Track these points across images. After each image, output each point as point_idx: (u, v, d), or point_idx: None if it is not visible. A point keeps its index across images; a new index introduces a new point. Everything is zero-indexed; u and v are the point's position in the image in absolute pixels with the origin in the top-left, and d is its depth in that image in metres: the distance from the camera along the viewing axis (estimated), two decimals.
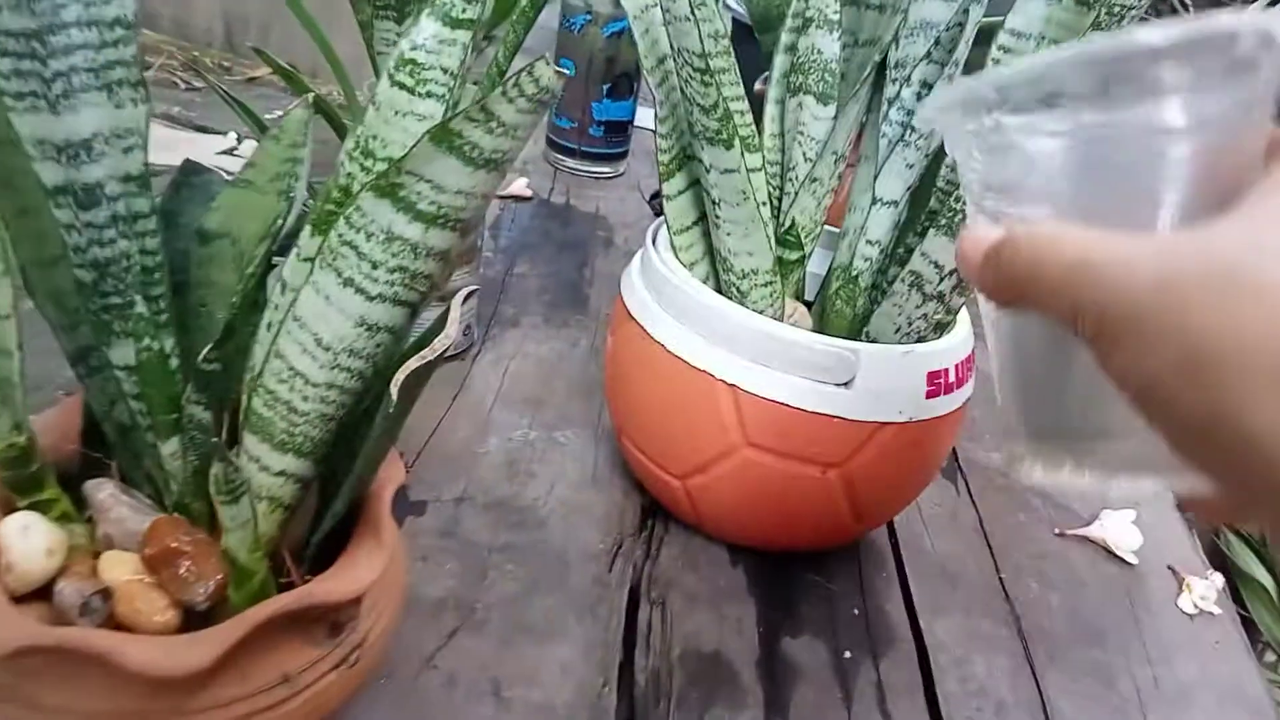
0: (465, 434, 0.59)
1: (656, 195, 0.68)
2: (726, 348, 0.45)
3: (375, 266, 0.31)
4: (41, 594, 0.33)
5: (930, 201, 0.48)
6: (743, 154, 0.46)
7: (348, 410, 0.34)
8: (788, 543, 0.52)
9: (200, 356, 0.34)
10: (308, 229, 0.33)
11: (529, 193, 0.94)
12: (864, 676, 0.48)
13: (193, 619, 0.33)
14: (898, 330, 0.48)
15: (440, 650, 0.44)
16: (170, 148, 0.88)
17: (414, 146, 0.28)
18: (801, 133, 0.53)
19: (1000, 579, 0.58)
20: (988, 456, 0.71)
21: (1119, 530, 0.64)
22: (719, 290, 0.49)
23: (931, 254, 0.45)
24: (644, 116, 0.98)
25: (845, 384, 0.45)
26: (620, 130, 1.00)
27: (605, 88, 0.96)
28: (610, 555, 0.51)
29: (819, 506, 0.47)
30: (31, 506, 0.34)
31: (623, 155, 1.03)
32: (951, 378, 0.47)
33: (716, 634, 0.48)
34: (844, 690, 0.46)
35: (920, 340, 0.48)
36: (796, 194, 0.52)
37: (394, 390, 0.30)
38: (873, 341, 0.48)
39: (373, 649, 0.36)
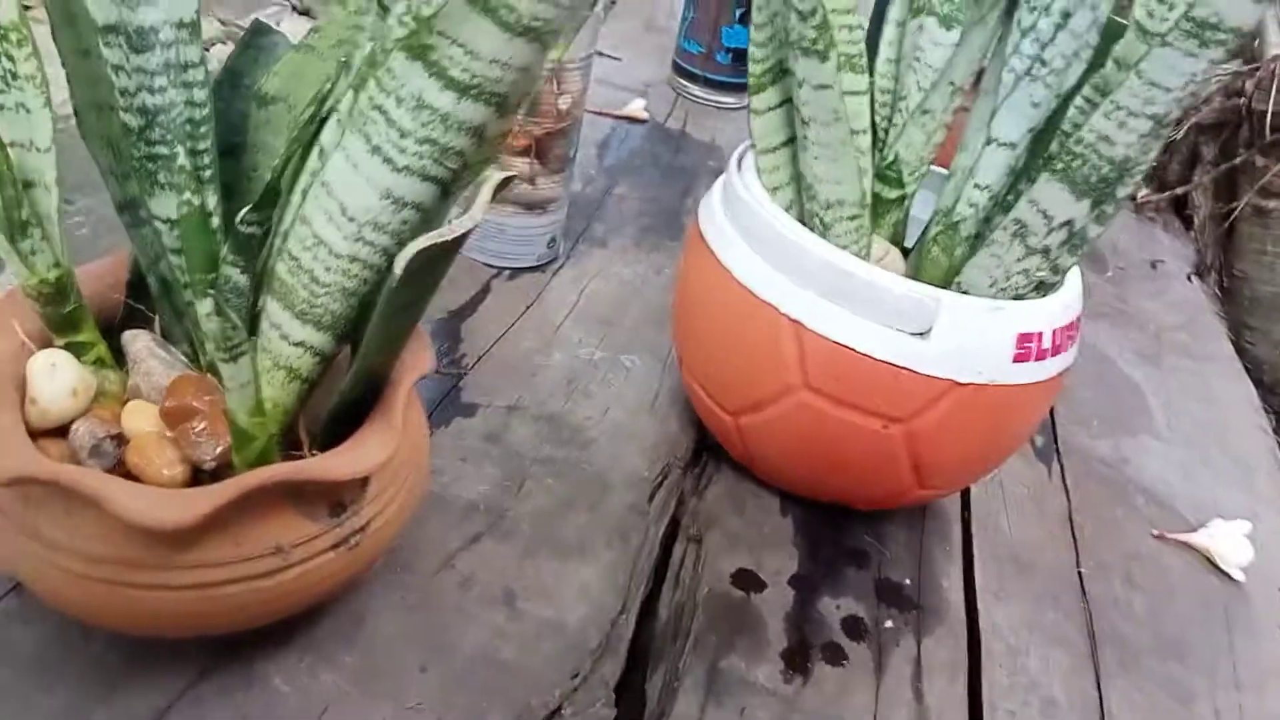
0: (530, 345, 0.58)
1: None
2: (795, 280, 0.42)
3: (404, 135, 0.29)
4: (64, 432, 0.33)
5: (1051, 145, 0.42)
6: (840, 70, 0.42)
7: (371, 288, 0.33)
8: (842, 497, 0.49)
9: (239, 217, 0.34)
10: (349, 92, 0.32)
11: (644, 115, 0.91)
12: (902, 650, 0.44)
13: (201, 479, 0.33)
14: (993, 284, 0.43)
15: (462, 551, 0.43)
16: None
17: (446, 3, 0.26)
18: (918, 59, 0.48)
19: (1079, 573, 0.53)
20: (1093, 443, 0.65)
21: (1229, 541, 0.58)
22: (801, 220, 0.45)
23: (1041, 201, 0.40)
24: None
25: (921, 334, 0.41)
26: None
27: (738, 12, 0.92)
28: (654, 485, 0.49)
29: (877, 463, 0.44)
30: (68, 347, 0.35)
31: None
32: (1045, 343, 0.42)
33: (750, 580, 0.46)
34: (876, 660, 0.43)
35: (1018, 299, 0.43)
36: (904, 126, 0.48)
37: (398, 266, 0.28)
38: (964, 294, 0.43)
39: (379, 536, 0.35)
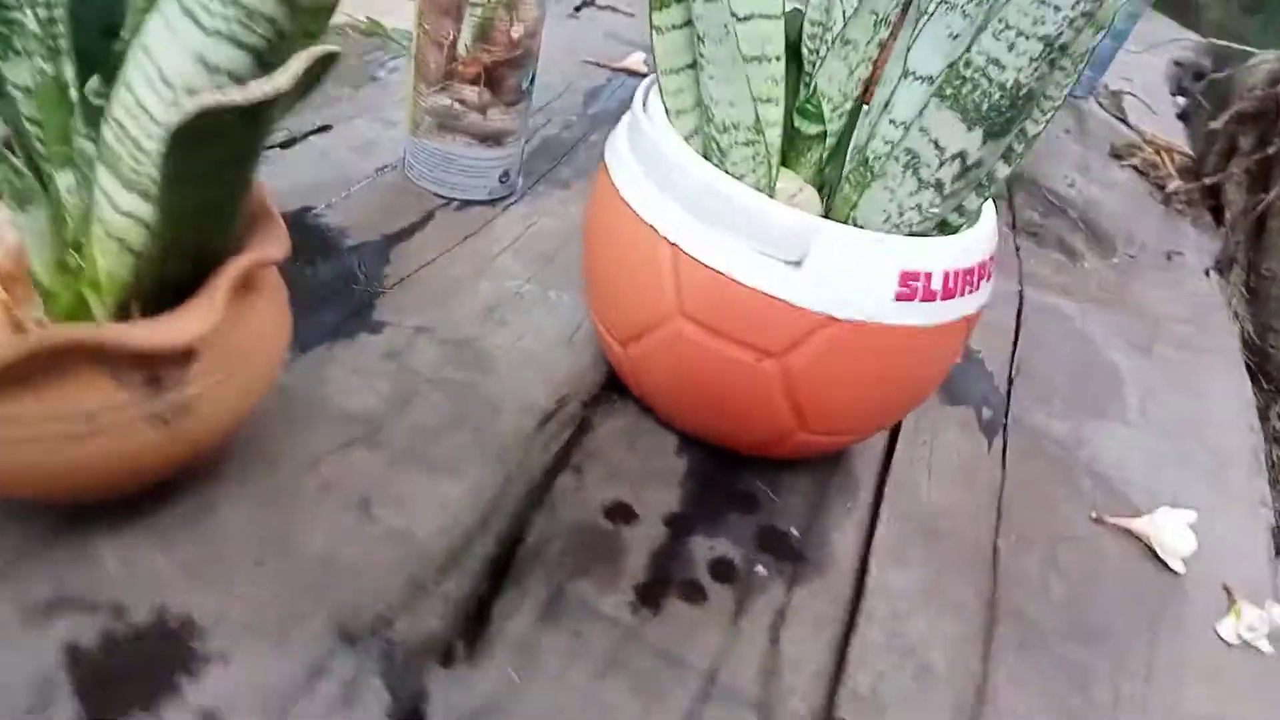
0: (459, 273, 0.57)
1: None
2: (677, 203, 0.41)
3: None
4: None
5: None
6: None
7: None
8: (726, 437, 0.47)
9: (85, 86, 0.34)
10: None
11: (644, 69, 0.90)
12: (769, 596, 0.43)
13: None
14: (886, 219, 0.41)
15: (329, 456, 0.43)
16: None
17: None
18: None
19: (995, 547, 0.51)
20: (1048, 422, 0.62)
21: (1171, 530, 0.55)
22: (707, 147, 0.44)
23: (931, 130, 0.38)
24: None
25: (795, 263, 0.39)
26: None
27: None
28: (548, 415, 0.48)
29: (754, 400, 0.42)
30: None
31: None
32: (935, 285, 0.40)
33: (624, 513, 0.45)
34: (737, 604, 0.42)
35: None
36: (825, 57, 0.46)
37: (169, 120, 0.28)
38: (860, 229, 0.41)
39: (208, 418, 0.35)
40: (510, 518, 0.43)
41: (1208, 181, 0.98)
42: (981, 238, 0.42)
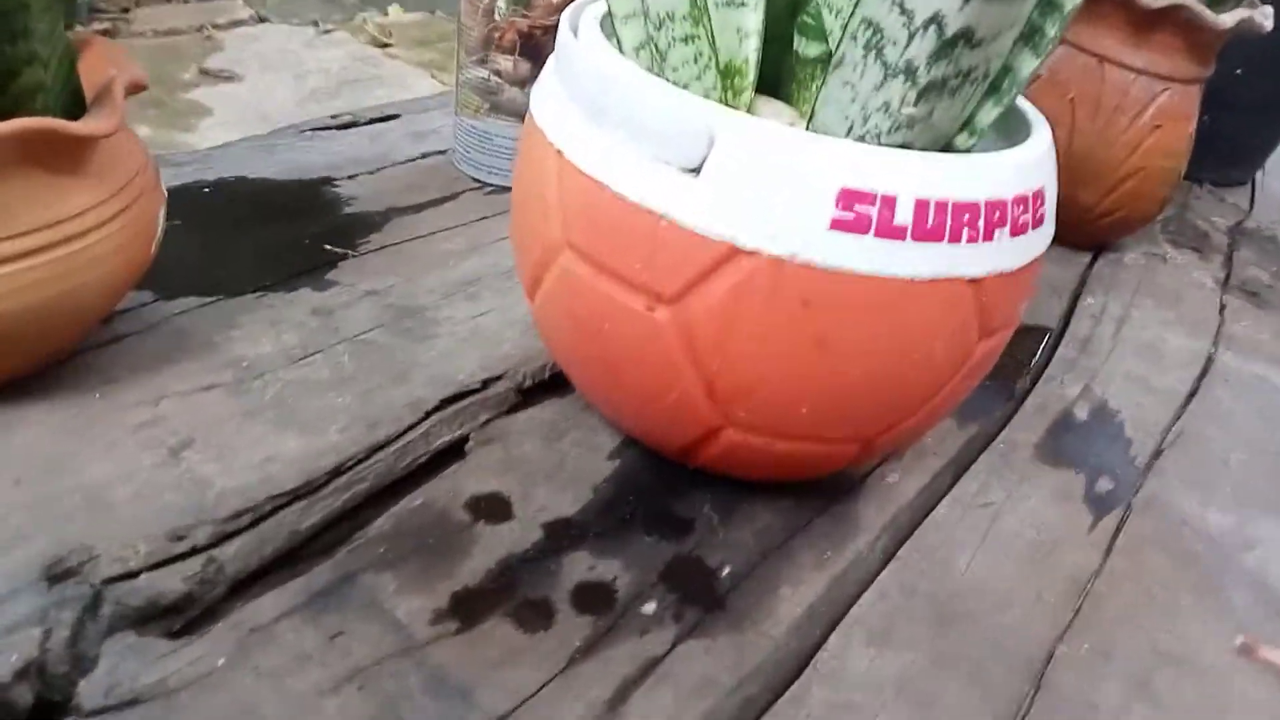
0: (452, 248, 0.50)
1: None
2: (568, 97, 0.32)
3: None
4: None
5: None
6: None
7: None
8: (650, 432, 0.36)
9: None
10: None
11: None
12: (640, 643, 0.30)
13: None
14: (849, 128, 0.29)
15: (179, 397, 0.37)
16: None
17: None
18: None
19: (1052, 654, 0.35)
20: (1201, 511, 0.44)
21: None
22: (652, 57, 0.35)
23: None
24: None
25: (692, 170, 0.28)
26: None
27: None
28: (466, 392, 0.40)
29: (652, 365, 0.31)
30: None
31: None
32: (903, 217, 0.27)
33: (494, 509, 0.34)
34: (589, 641, 0.30)
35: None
36: None
37: None
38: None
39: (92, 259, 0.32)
40: (350, 493, 0.34)
41: None
42: (999, 163, 0.29)
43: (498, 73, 0.55)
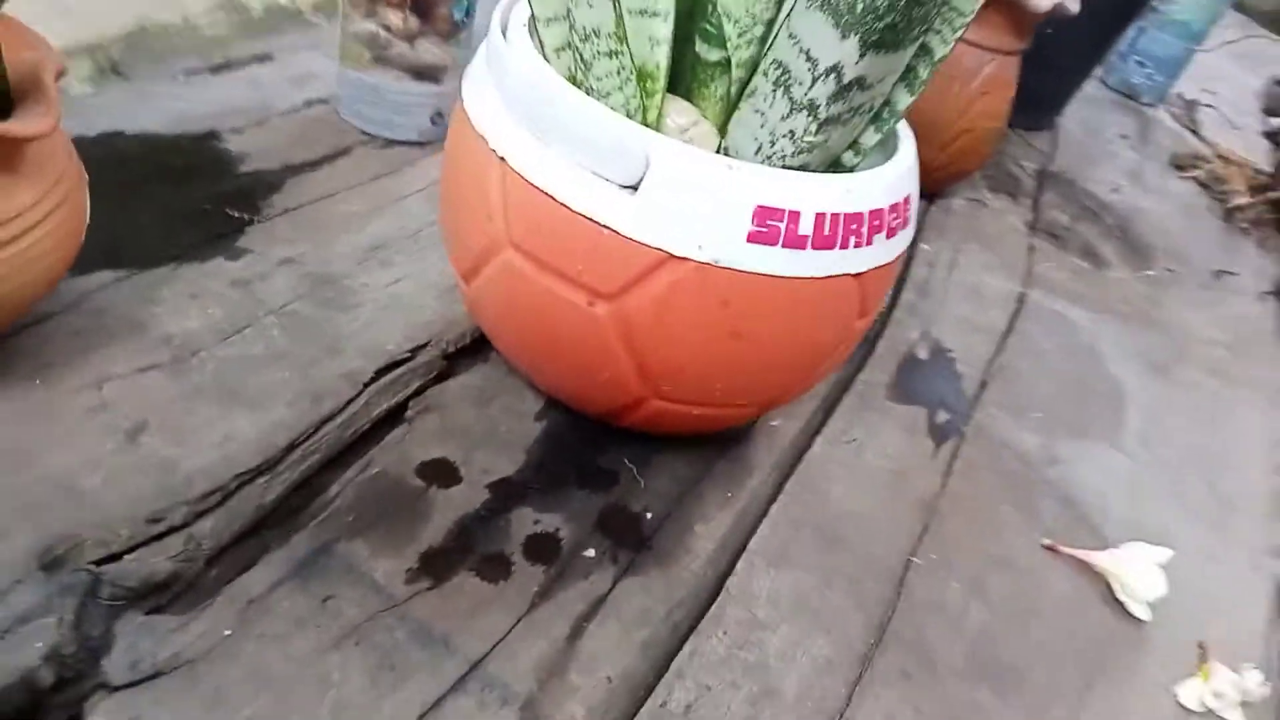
0: (355, 209, 0.52)
1: None
2: (509, 109, 0.35)
3: None
4: None
5: None
6: None
7: None
8: (580, 399, 0.41)
9: None
10: None
11: None
12: (588, 583, 0.36)
13: None
14: (759, 149, 0.34)
15: (120, 379, 0.38)
16: None
17: None
18: None
19: (908, 564, 0.43)
20: (1018, 435, 0.54)
21: (1137, 569, 0.46)
22: (574, 62, 0.38)
23: (801, 36, 0.31)
24: None
25: (630, 187, 0.33)
26: None
27: None
28: (397, 362, 0.43)
29: (590, 351, 0.36)
30: None
31: None
32: (804, 228, 0.33)
33: (442, 472, 0.39)
34: (543, 586, 0.35)
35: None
36: None
37: None
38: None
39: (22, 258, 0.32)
40: (310, 466, 0.37)
41: (1273, 196, 0.87)
42: (877, 181, 0.35)
43: (387, 27, 0.56)
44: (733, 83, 0.40)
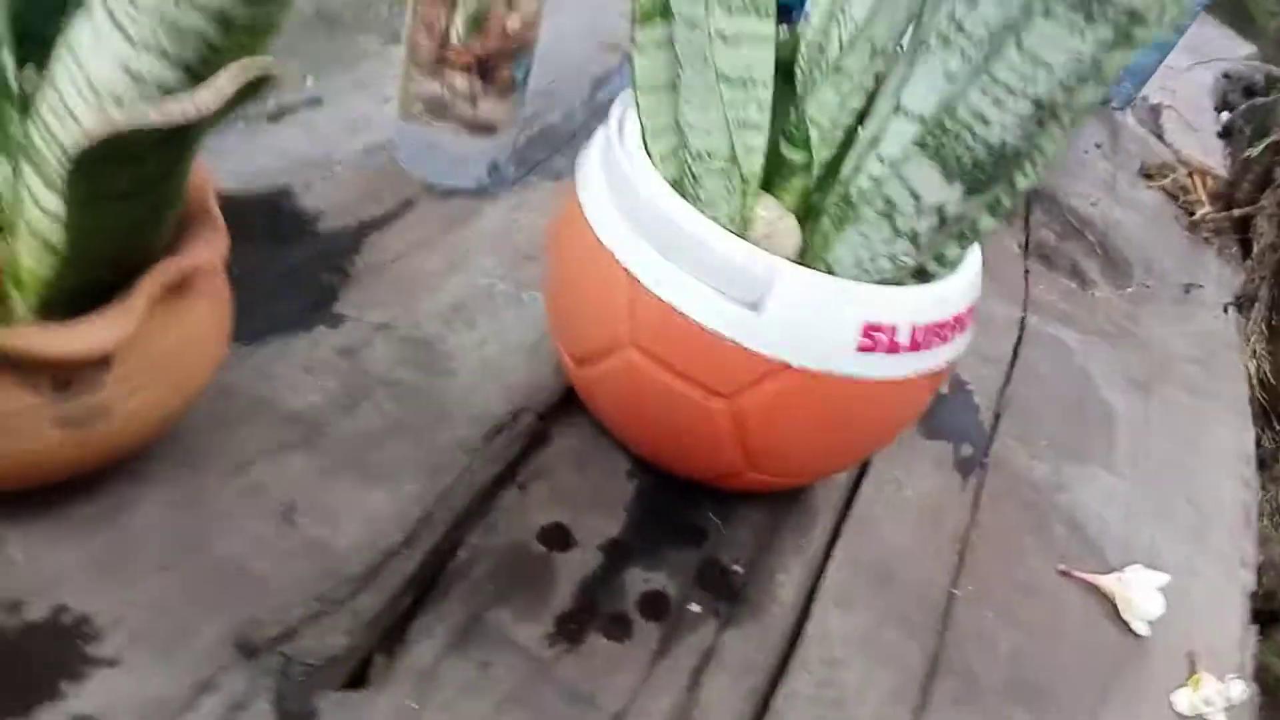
0: (432, 267, 0.56)
1: None
2: (636, 228, 0.39)
3: (134, 5, 0.28)
4: None
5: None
6: (736, 13, 0.38)
7: None
8: (679, 466, 0.46)
9: (14, 74, 0.32)
10: None
11: None
12: (697, 637, 0.42)
13: None
14: (858, 265, 0.39)
15: (261, 459, 0.42)
16: None
17: None
18: (843, 11, 0.44)
19: (951, 595, 0.49)
20: (1030, 464, 0.60)
21: (1140, 591, 0.53)
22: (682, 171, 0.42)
23: (910, 179, 0.36)
24: None
25: (753, 306, 0.37)
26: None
27: None
28: (500, 427, 0.47)
29: (702, 437, 0.41)
30: None
31: None
32: (902, 338, 0.38)
33: (559, 538, 0.43)
34: (661, 642, 0.41)
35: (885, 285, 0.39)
36: (818, 83, 0.43)
37: (85, 132, 0.26)
38: (829, 272, 0.39)
39: (128, 421, 0.34)
40: (442, 534, 0.42)
41: (1238, 213, 0.94)
42: (957, 290, 0.40)
43: (452, 88, 0.59)
44: (812, 180, 0.45)
